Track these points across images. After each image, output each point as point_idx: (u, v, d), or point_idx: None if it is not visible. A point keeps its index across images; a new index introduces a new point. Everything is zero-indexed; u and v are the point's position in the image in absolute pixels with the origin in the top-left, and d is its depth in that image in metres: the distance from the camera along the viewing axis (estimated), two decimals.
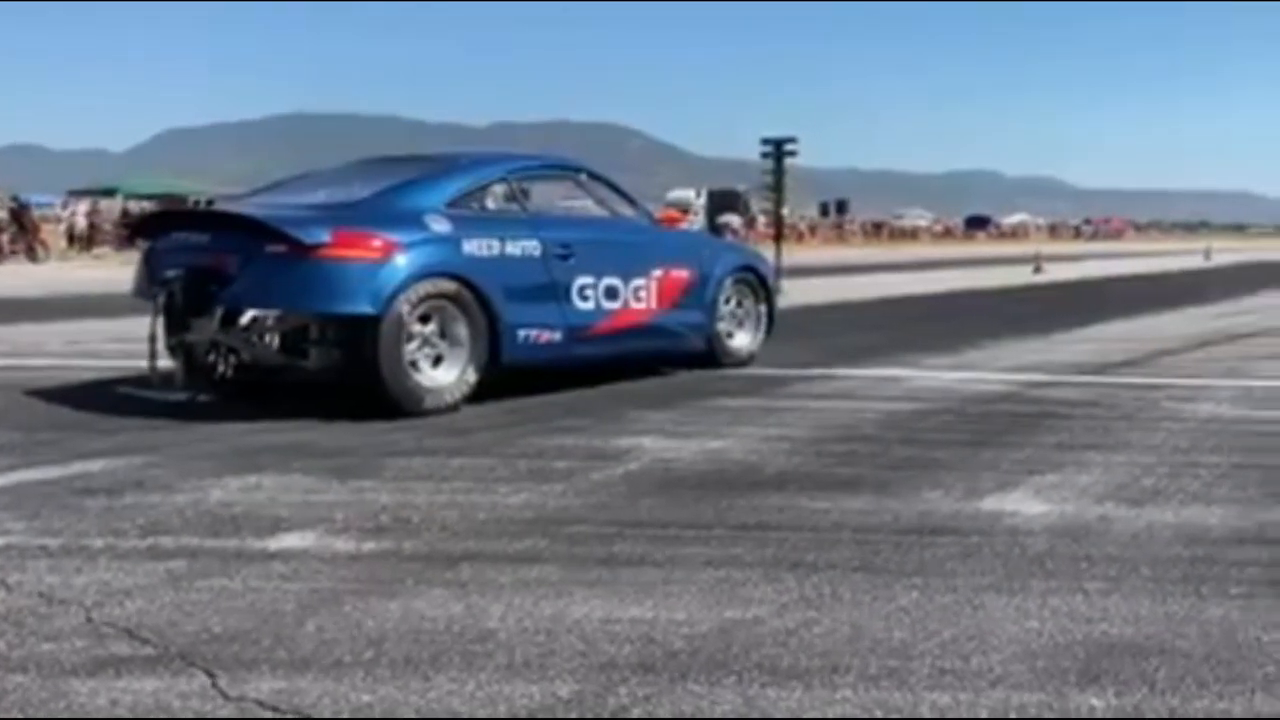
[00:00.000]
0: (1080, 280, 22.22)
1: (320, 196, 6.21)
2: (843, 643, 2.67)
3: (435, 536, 3.53)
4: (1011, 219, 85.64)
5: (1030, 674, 2.49)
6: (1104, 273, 25.33)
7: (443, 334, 5.80)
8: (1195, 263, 32.18)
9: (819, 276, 19.15)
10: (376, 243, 5.54)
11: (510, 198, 6.44)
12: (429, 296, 5.68)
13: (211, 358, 5.83)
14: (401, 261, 5.57)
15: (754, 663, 2.53)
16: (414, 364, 5.67)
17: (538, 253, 6.24)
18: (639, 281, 6.88)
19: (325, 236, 5.45)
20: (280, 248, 5.42)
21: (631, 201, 7.52)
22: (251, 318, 5.62)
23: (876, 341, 9.59)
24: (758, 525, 3.68)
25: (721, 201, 54.72)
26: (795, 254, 25.48)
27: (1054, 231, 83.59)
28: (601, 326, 6.63)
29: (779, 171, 16.09)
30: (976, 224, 76.62)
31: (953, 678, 2.47)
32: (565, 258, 6.38)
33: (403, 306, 5.53)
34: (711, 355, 7.53)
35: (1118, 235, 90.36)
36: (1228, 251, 43.61)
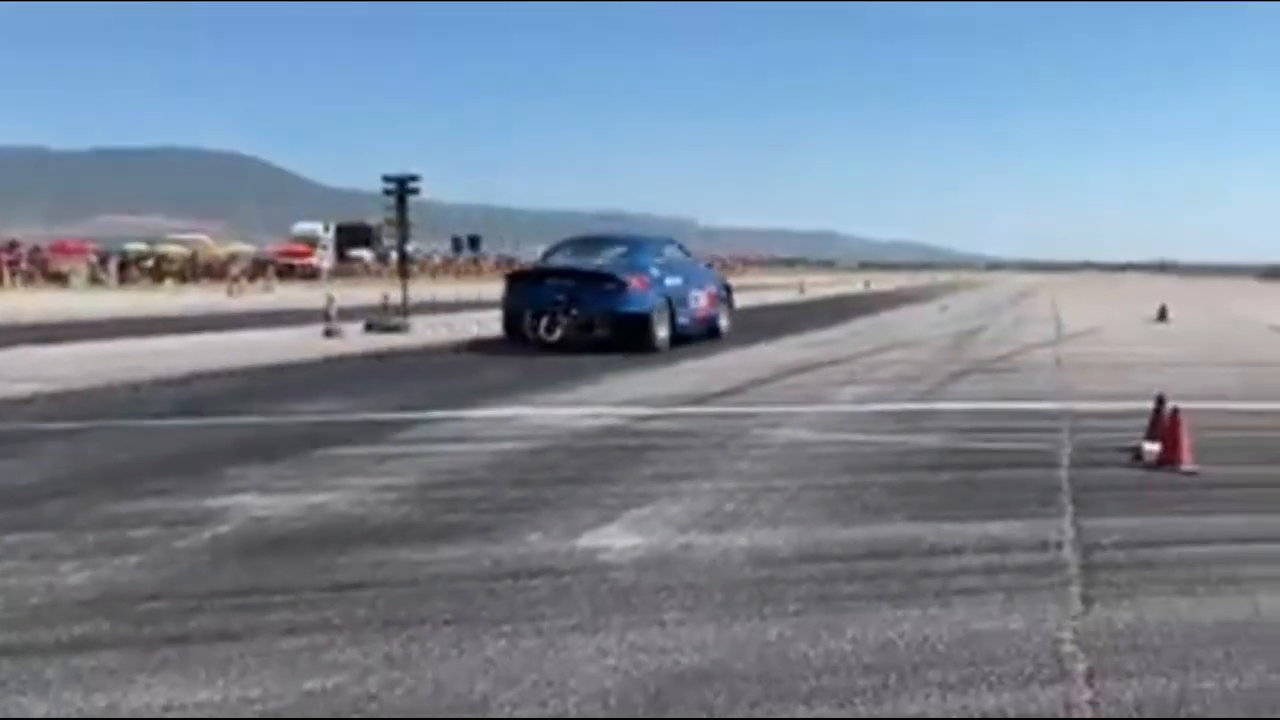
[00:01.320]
0: None
1: (592, 259, 13.69)
2: (424, 701, 2.64)
3: None
4: None
5: (603, 712, 2.59)
6: None
7: (661, 320, 13.19)
8: (792, 296, 35.45)
9: (455, 312, 19.12)
10: (639, 281, 13.06)
11: (659, 255, 14.25)
12: (657, 302, 13.22)
13: (542, 333, 12.77)
14: (653, 290, 13.21)
15: None
16: (660, 333, 13.18)
17: (681, 283, 14.11)
18: (704, 294, 14.88)
19: (630, 278, 12.96)
20: (611, 285, 12.87)
21: (688, 253, 15.88)
22: (572, 315, 12.69)
23: (499, 379, 9.72)
24: (353, 584, 3.58)
25: (352, 235, 53.27)
26: (437, 289, 25.28)
27: None
28: (696, 316, 14.47)
29: (402, 209, 15.95)
30: None
31: None
32: (686, 284, 14.30)
33: (654, 308, 13.06)
34: (717, 332, 15.10)
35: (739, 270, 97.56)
36: (819, 286, 48.40)
